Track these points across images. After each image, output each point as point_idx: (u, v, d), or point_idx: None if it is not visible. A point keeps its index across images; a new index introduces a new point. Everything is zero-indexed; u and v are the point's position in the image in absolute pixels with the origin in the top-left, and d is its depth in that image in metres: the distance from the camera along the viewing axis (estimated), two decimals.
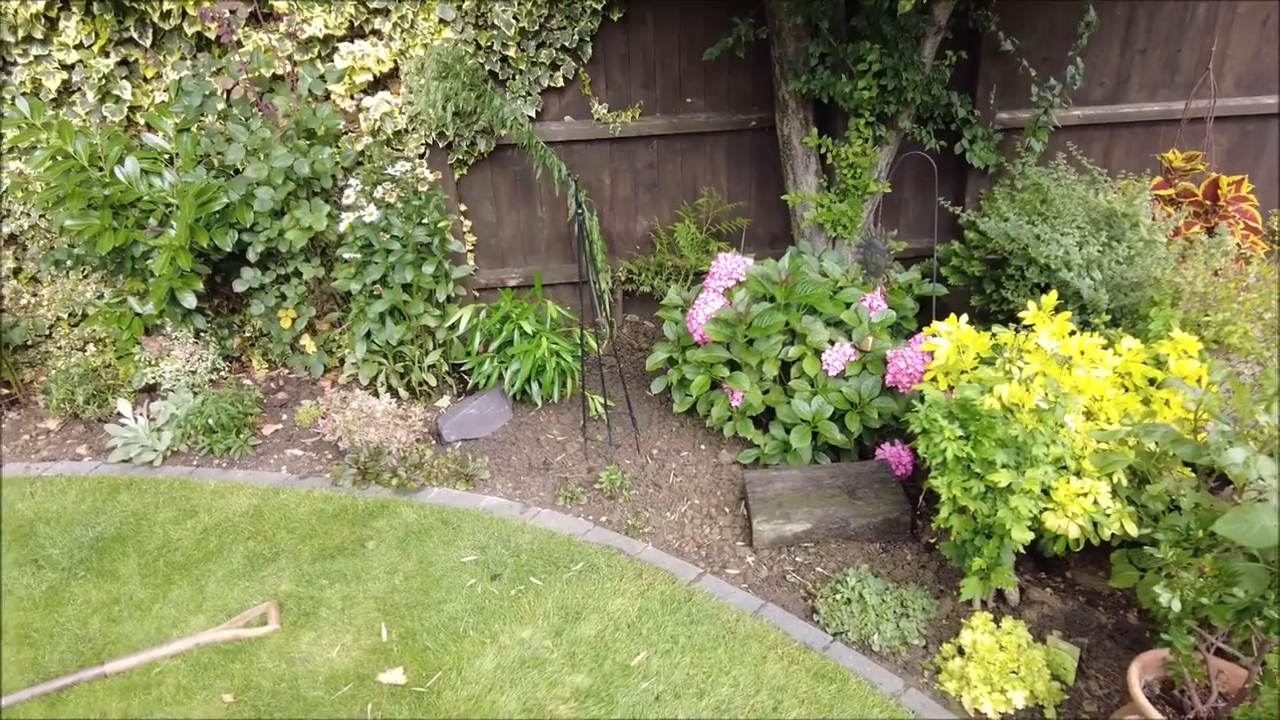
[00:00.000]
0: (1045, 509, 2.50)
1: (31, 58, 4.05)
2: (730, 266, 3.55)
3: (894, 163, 4.13)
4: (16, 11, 3.89)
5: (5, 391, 4.28)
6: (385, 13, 4.07)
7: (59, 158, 3.81)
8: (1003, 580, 2.61)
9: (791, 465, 3.39)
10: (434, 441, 3.82)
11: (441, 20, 4.08)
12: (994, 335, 2.83)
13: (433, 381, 4.06)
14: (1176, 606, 1.98)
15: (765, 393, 3.44)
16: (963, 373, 2.88)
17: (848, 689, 2.51)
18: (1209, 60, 4.19)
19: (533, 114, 4.33)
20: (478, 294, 4.65)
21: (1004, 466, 2.45)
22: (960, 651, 2.62)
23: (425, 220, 3.76)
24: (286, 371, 4.43)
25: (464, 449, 3.76)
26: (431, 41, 4.09)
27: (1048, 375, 2.61)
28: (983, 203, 4.17)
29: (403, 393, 4.05)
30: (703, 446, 3.71)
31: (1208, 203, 3.91)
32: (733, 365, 3.47)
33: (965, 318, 2.90)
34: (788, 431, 3.42)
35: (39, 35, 3.99)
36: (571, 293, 4.72)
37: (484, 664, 2.59)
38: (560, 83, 4.34)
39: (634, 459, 3.65)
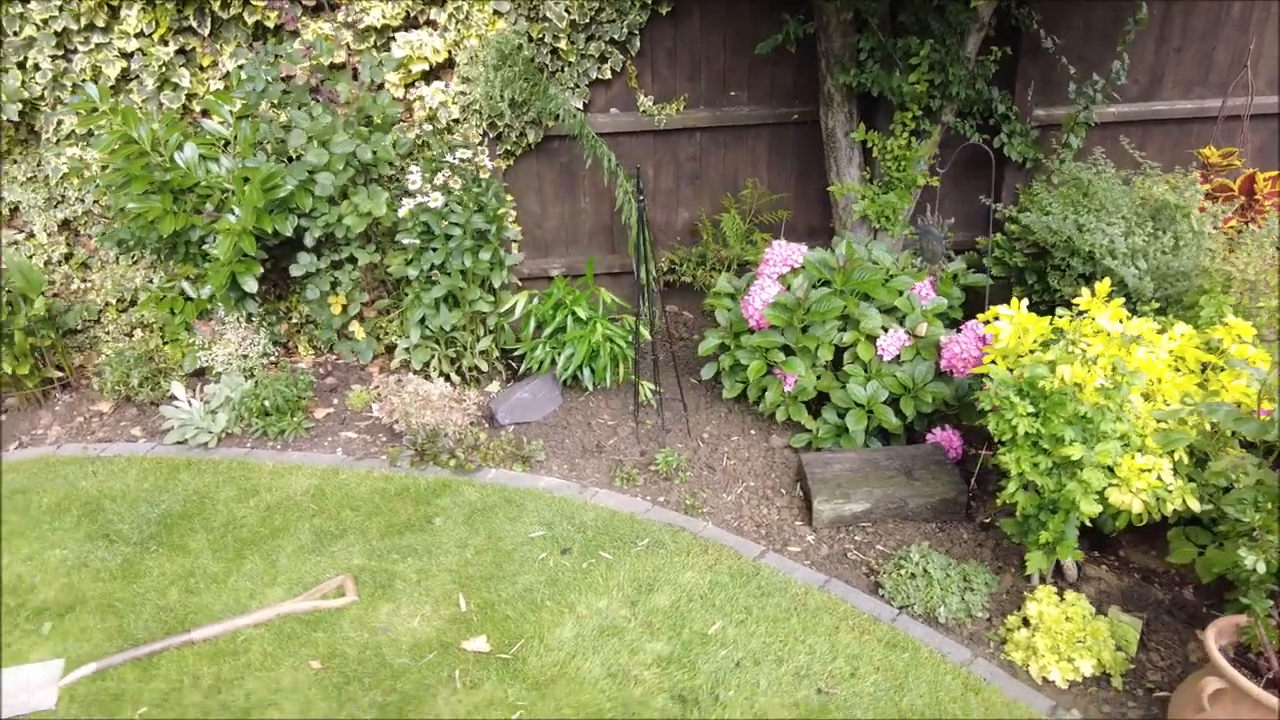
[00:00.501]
0: (1109, 485, 2.58)
1: (92, 45, 4.11)
2: (785, 254, 3.62)
3: (942, 157, 4.22)
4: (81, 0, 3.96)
5: (59, 374, 4.32)
6: (441, 3, 4.15)
7: (123, 143, 3.87)
8: (1068, 553, 2.68)
9: (846, 448, 3.46)
10: (487, 425, 3.88)
11: (496, 12, 4.15)
12: (1054, 319, 2.91)
13: (483, 367, 4.12)
14: (1262, 568, 2.06)
15: (818, 378, 3.52)
16: (1020, 356, 2.96)
17: (920, 657, 2.58)
18: (1246, 58, 4.29)
19: (580, 106, 4.40)
20: (520, 283, 4.72)
21: (1073, 442, 2.53)
22: (1025, 623, 2.70)
23: (484, 207, 3.83)
24: (334, 357, 4.49)
25: (517, 432, 3.82)
26: (486, 33, 4.16)
27: (1112, 355, 2.69)
28: (1021, 196, 4.26)
29: (454, 377, 4.11)
30: (752, 431, 3.78)
31: (1244, 198, 4.00)
32: (786, 350, 3.54)
33: (1025, 302, 2.98)
34: (841, 416, 3.49)
35: (100, 23, 4.05)
36: (612, 282, 4.79)
37: (564, 632, 2.66)
38: (608, 75, 4.41)
39: (685, 443, 3.72)
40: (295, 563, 3.02)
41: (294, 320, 4.48)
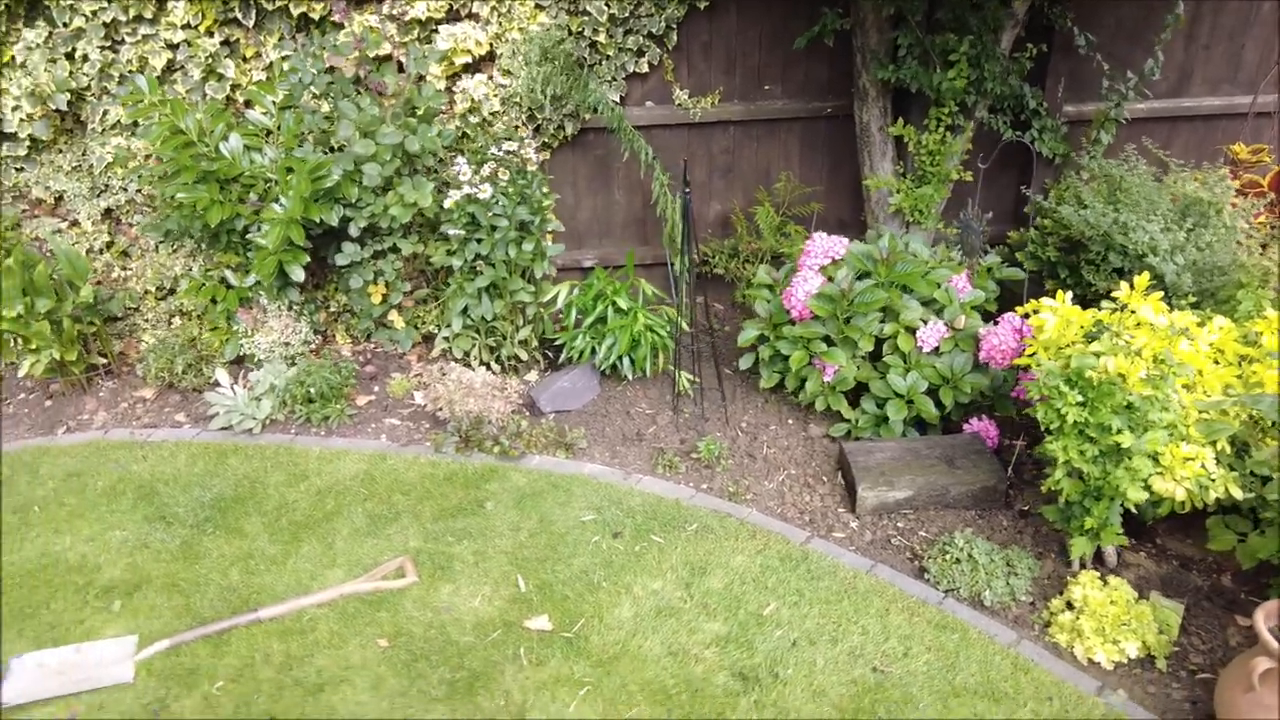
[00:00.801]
0: (1153, 473, 2.65)
1: (140, 37, 4.16)
2: (826, 246, 3.69)
3: (975, 152, 4.28)
4: None
5: (102, 361, 4.38)
6: None
7: (171, 133, 3.92)
8: (1112, 539, 2.76)
9: (886, 438, 3.53)
10: (527, 412, 3.95)
11: (537, 5, 4.21)
12: (1098, 311, 2.98)
13: (522, 356, 4.19)
14: None
15: (857, 369, 3.58)
16: (1062, 348, 3.03)
17: (969, 638, 2.65)
18: (1276, 56, 4.35)
19: (617, 99, 4.46)
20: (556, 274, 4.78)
21: (1121, 431, 2.60)
22: (1069, 606, 2.77)
23: (527, 199, 3.89)
24: (372, 346, 4.55)
25: (558, 420, 3.89)
26: (527, 26, 4.22)
27: (1157, 348, 2.75)
28: (1050, 191, 4.32)
29: (494, 366, 4.17)
30: (789, 420, 3.85)
31: (1273, 194, 4.07)
32: (827, 341, 3.60)
33: (1069, 295, 3.04)
34: (880, 406, 3.56)
35: (148, 15, 4.10)
36: (645, 274, 4.85)
37: (622, 613, 2.73)
38: (645, 69, 4.47)
39: (724, 432, 3.79)
40: (352, 545, 3.09)
41: (332, 309, 4.55)
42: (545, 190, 4.02)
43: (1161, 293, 3.45)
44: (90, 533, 3.20)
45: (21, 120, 4.20)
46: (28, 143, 4.32)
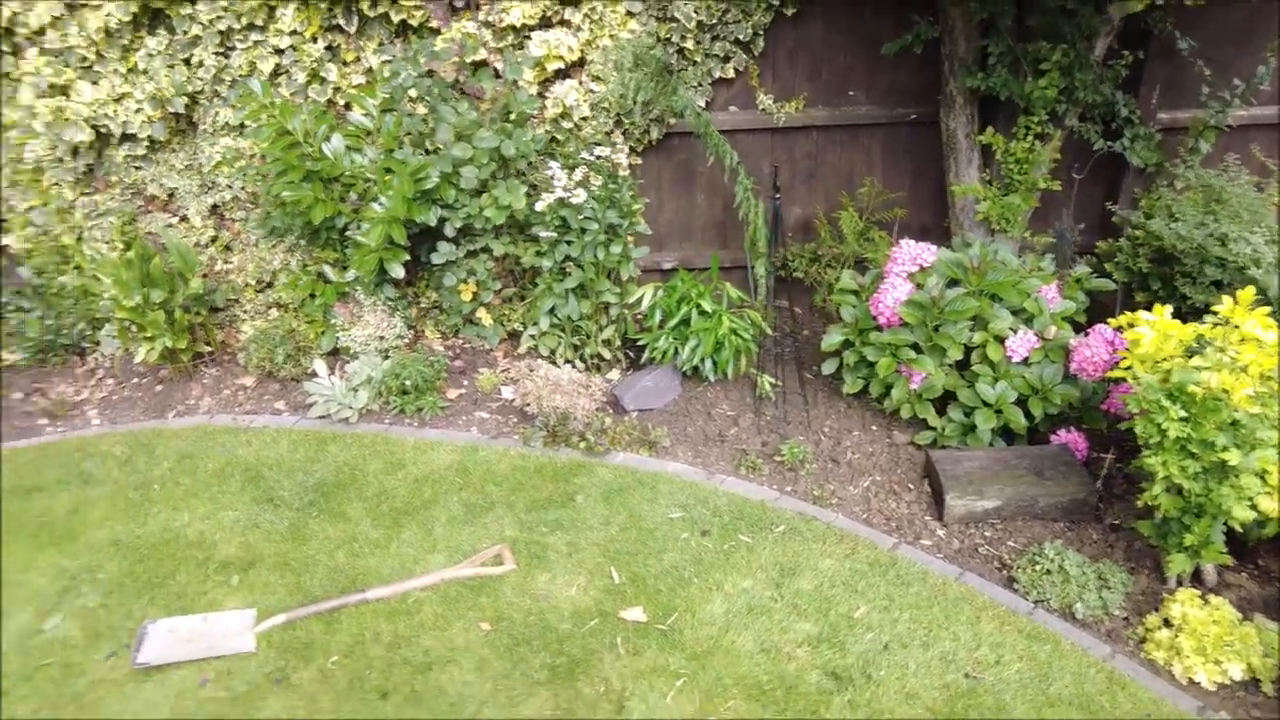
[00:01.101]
0: (1261, 492, 2.61)
1: (250, 43, 4.37)
2: (914, 253, 3.70)
3: (1067, 161, 4.23)
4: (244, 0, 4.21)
5: (207, 349, 4.62)
6: (576, 3, 4.31)
7: (277, 134, 4.12)
8: (1213, 557, 2.72)
9: (973, 447, 3.53)
10: (610, 410, 4.05)
11: (628, 12, 4.30)
12: (1198, 325, 2.93)
13: (605, 355, 4.29)
14: None
15: (945, 376, 3.59)
16: (1159, 362, 2.99)
17: (1061, 649, 2.65)
18: None
19: (702, 104, 4.53)
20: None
21: (1227, 448, 2.56)
22: (1166, 624, 2.75)
23: (617, 202, 3.99)
24: (460, 341, 4.71)
25: (641, 418, 3.98)
26: (618, 32, 4.31)
27: (1268, 364, 2.71)
28: (1143, 202, 4.25)
29: (577, 364, 4.28)
30: (873, 427, 3.87)
31: None
32: (915, 348, 3.61)
33: (1169, 309, 3.00)
34: (967, 415, 3.56)
35: (259, 22, 4.31)
36: (724, 276, 4.90)
37: (714, 608, 2.80)
38: (730, 74, 4.53)
39: (806, 436, 3.82)
40: (450, 532, 3.22)
41: (422, 305, 4.71)
42: (634, 194, 4.11)
43: (1268, 307, 3.38)
44: (205, 511, 3.40)
45: (143, 122, 4.45)
46: (146, 143, 4.57)
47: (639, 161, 4.67)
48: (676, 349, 4.08)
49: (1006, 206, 4.18)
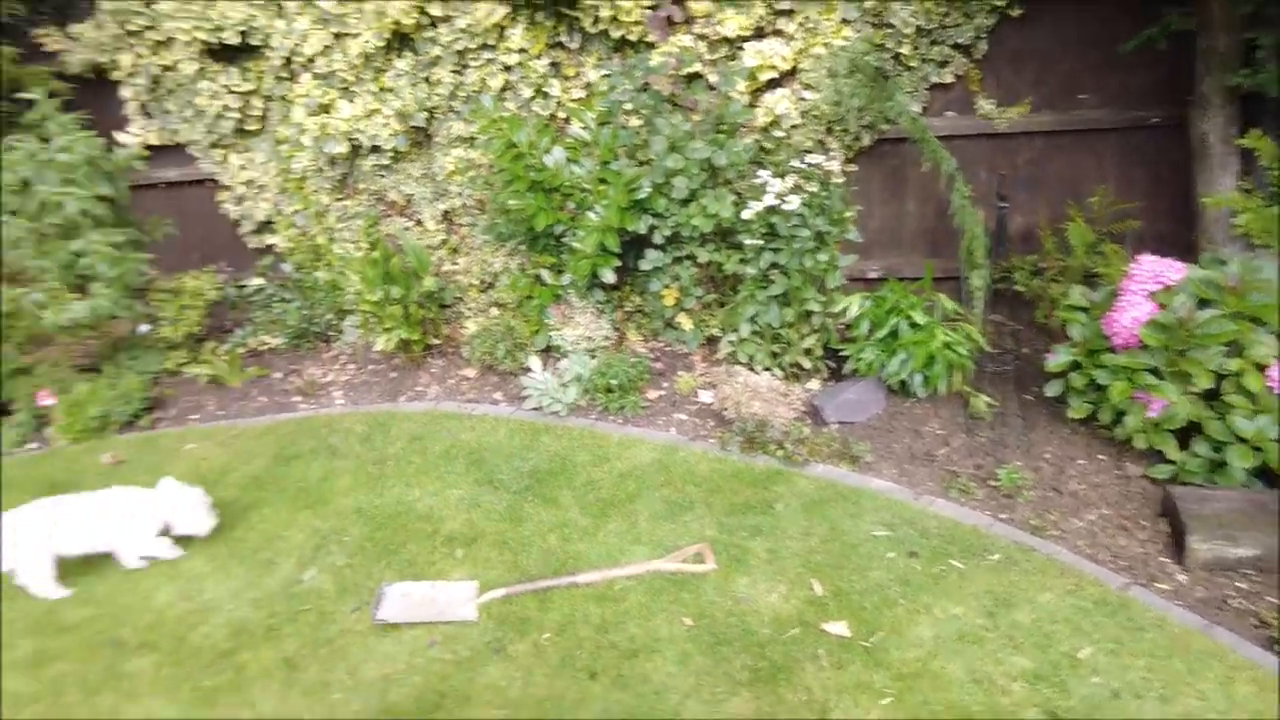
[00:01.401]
0: None
1: (483, 61, 4.76)
2: (1156, 269, 3.39)
3: None
4: (480, 22, 4.59)
5: (435, 342, 5.07)
6: (789, 14, 4.33)
7: (505, 146, 4.45)
8: None
9: (1223, 485, 3.18)
10: (809, 420, 4.01)
11: (844, 20, 4.26)
12: None
13: (805, 364, 4.26)
14: None
15: (1189, 405, 3.25)
16: None
17: None
18: None
19: (917, 110, 4.39)
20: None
21: None
22: None
23: (826, 210, 3.96)
24: (660, 344, 4.85)
25: (841, 430, 3.92)
26: (831, 41, 4.28)
27: None
28: None
29: (776, 372, 4.28)
30: (1100, 456, 3.58)
31: None
32: (1154, 373, 3.31)
33: None
34: (1216, 449, 3.21)
35: (491, 42, 4.68)
36: (933, 287, 4.72)
37: (921, 631, 2.72)
38: (948, 79, 4.37)
39: (1025, 461, 3.60)
40: (652, 526, 3.34)
41: (626, 309, 4.91)
42: (846, 201, 4.06)
43: None
44: (433, 488, 3.73)
45: (389, 135, 4.97)
46: (390, 154, 5.10)
47: (850, 168, 4.60)
48: (883, 361, 3.98)
49: (1271, 219, 3.72)
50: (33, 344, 4.77)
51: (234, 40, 4.86)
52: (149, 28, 4.94)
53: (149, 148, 5.09)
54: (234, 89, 5.07)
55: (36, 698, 2.72)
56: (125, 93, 5.21)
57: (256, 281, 5.51)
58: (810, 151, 4.20)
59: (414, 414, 4.46)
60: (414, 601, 3.04)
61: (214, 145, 5.32)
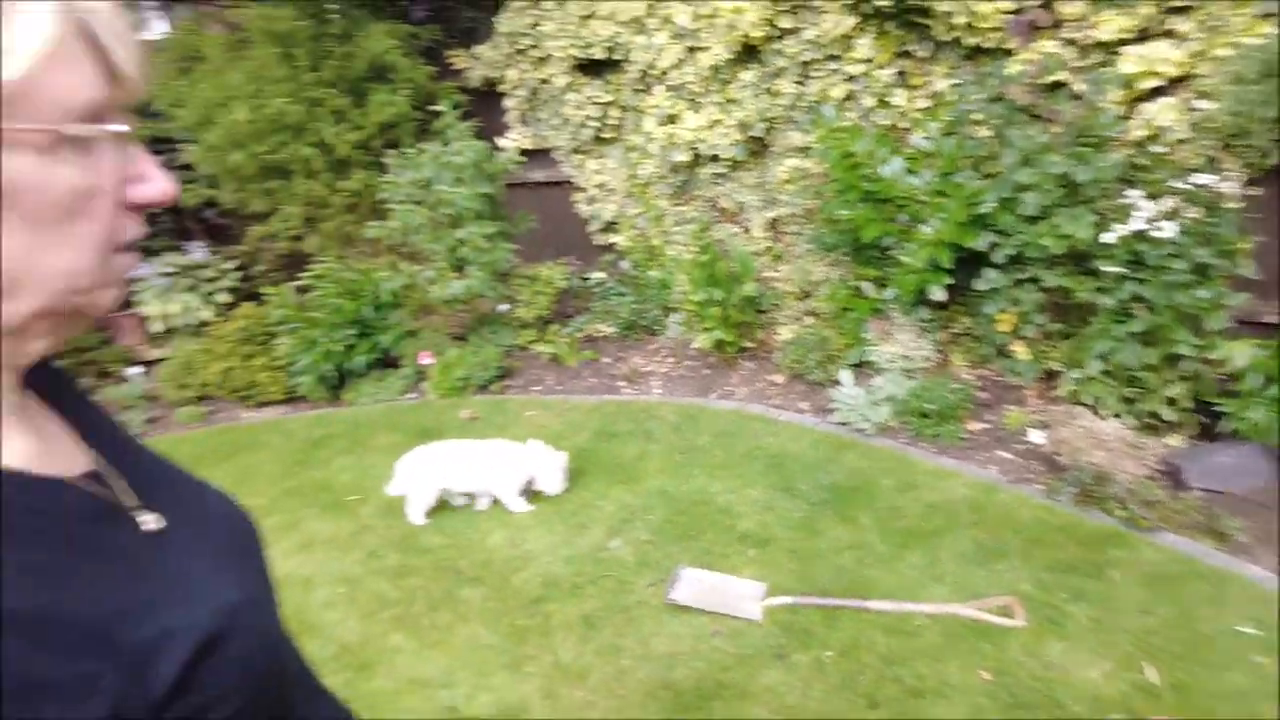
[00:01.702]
0: None
1: (826, 71, 4.77)
2: None
3: None
4: (828, 33, 4.60)
5: (749, 345, 5.22)
6: (1185, 10, 3.74)
7: (841, 156, 4.42)
8: None
9: None
10: (1164, 480, 3.46)
11: (1264, 15, 3.58)
12: None
13: (1166, 415, 3.68)
14: None
15: None
16: None
17: None
18: None
19: None
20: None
21: None
22: None
23: (1212, 239, 3.38)
24: (988, 372, 4.50)
25: (1207, 499, 3.32)
26: (1240, 40, 3.62)
27: None
28: None
29: (1127, 420, 3.75)
30: None
31: None
32: None
33: None
34: None
35: (836, 53, 4.67)
36: None
37: None
38: None
39: None
40: (957, 567, 3.12)
41: (953, 330, 4.62)
42: (1240, 230, 3.43)
43: None
44: (733, 485, 3.85)
45: (729, 145, 5.19)
46: (729, 163, 5.32)
47: (1251, 190, 3.87)
48: (1274, 424, 3.30)
49: None
50: (421, 312, 5.76)
51: (600, 55, 5.41)
52: (533, 46, 5.69)
53: (523, 151, 5.86)
54: (596, 100, 5.64)
55: (396, 602, 3.29)
56: (509, 103, 6.06)
57: (598, 275, 6.09)
58: (1198, 170, 3.60)
59: (722, 411, 4.64)
60: (705, 588, 3.16)
61: (574, 150, 5.98)
